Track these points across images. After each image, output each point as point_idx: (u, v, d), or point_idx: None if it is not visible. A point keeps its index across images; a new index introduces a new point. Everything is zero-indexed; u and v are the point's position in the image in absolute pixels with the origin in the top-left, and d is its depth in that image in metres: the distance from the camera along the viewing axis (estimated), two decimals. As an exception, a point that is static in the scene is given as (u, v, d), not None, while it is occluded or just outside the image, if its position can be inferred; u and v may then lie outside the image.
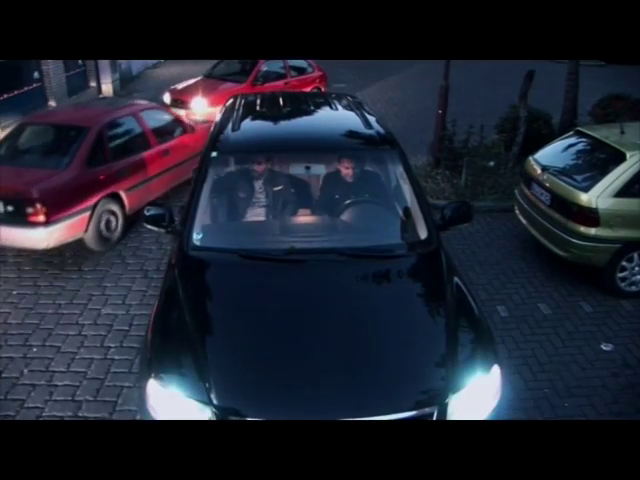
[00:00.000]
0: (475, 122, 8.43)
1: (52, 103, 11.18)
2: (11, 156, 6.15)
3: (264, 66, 11.22)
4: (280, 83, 11.43)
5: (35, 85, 10.76)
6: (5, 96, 9.57)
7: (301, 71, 12.12)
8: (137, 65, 16.02)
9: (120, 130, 6.64)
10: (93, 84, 13.28)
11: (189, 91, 10.45)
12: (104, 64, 13.29)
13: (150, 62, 17.14)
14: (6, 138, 6.59)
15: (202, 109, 9.78)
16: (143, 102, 7.84)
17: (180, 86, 10.91)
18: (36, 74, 10.78)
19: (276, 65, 11.54)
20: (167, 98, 10.53)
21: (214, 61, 11.99)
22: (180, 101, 10.20)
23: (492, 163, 8.43)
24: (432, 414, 2.67)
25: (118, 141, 6.53)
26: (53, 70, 11.06)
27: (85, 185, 5.81)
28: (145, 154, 6.69)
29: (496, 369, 2.95)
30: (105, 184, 6.04)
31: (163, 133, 7.21)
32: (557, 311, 5.28)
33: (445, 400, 2.71)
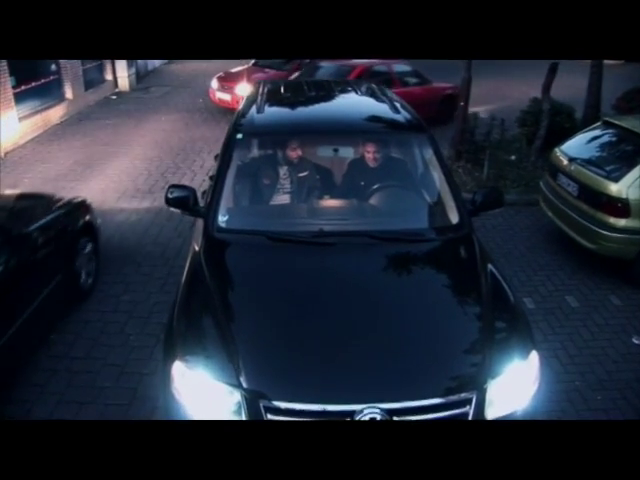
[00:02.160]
0: (496, 115, 8.29)
1: (69, 96, 11.19)
2: None
3: None
4: None
5: (52, 77, 10.78)
6: (23, 87, 9.55)
7: None
8: (152, 61, 16.10)
9: (375, 73, 9.87)
10: (109, 78, 13.30)
11: (235, 77, 11.22)
12: (120, 58, 13.32)
13: (165, 58, 17.21)
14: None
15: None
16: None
17: (224, 73, 11.59)
18: (53, 67, 10.80)
19: None
20: (214, 84, 11.37)
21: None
22: (226, 86, 11.07)
23: (514, 157, 8.30)
24: (471, 399, 2.58)
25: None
26: (70, 63, 11.08)
27: None
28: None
29: (534, 355, 2.86)
30: None
31: (405, 81, 10.46)
32: (585, 304, 5.14)
33: (484, 386, 2.61)
